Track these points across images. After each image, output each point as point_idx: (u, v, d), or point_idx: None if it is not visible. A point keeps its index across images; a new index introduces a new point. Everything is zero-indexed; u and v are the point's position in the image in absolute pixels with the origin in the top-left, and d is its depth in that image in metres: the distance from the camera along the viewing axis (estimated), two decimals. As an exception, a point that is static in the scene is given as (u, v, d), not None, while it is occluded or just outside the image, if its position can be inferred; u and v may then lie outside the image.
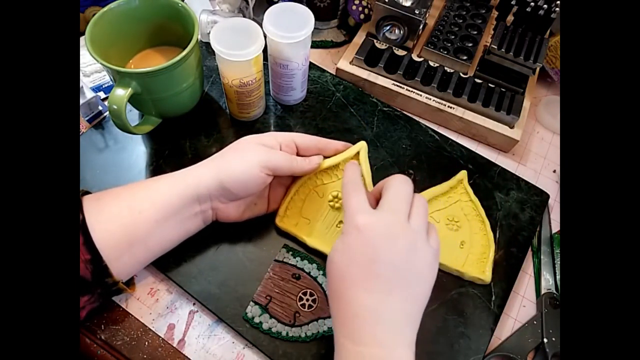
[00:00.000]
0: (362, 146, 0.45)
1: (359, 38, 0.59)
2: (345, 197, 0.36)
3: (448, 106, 0.54)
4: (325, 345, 0.40)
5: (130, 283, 0.40)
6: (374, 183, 0.46)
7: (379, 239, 0.33)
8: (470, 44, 0.57)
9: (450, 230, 0.46)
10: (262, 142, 0.41)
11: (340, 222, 0.45)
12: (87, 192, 0.38)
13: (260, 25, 0.44)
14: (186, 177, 0.39)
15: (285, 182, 0.45)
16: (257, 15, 0.58)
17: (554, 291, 0.46)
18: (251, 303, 0.41)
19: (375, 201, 0.37)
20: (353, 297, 0.32)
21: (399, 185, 0.36)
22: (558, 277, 0.46)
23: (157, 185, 0.38)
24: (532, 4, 0.53)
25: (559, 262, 0.47)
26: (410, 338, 0.32)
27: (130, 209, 0.36)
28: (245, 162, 0.39)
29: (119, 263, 0.36)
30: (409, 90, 0.55)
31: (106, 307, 0.41)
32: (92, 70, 0.54)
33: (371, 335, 0.31)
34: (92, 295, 0.36)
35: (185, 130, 0.50)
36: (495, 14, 0.61)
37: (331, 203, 0.45)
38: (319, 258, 0.44)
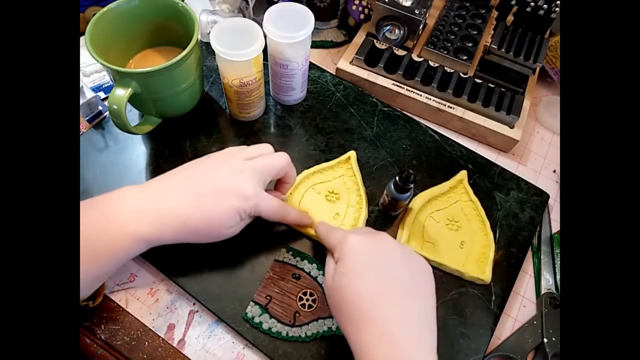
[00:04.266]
0: (351, 154, 0.50)
1: (359, 38, 0.59)
2: (326, 234, 0.38)
3: (448, 106, 0.54)
4: (325, 345, 0.40)
5: (96, 295, 0.39)
6: (374, 183, 0.48)
7: (376, 247, 0.34)
8: (470, 44, 0.57)
9: (450, 230, 0.46)
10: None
11: (337, 214, 0.46)
12: None
13: (260, 25, 0.44)
14: (144, 240, 0.36)
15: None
16: (257, 15, 0.58)
17: (554, 291, 0.46)
18: (251, 303, 0.41)
19: None
20: (375, 310, 0.31)
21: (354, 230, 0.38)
22: (558, 277, 0.46)
23: (119, 242, 0.35)
24: (532, 4, 0.53)
25: (559, 262, 0.47)
26: (432, 344, 0.31)
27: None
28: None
29: None
30: (409, 90, 0.55)
31: (106, 307, 0.41)
32: (92, 70, 0.54)
33: (398, 347, 0.30)
34: None
35: (185, 130, 0.50)
36: (495, 14, 0.61)
37: (327, 197, 0.47)
38: (319, 258, 0.44)
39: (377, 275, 0.33)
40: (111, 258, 0.35)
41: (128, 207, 0.35)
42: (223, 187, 0.36)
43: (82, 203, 0.36)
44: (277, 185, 0.44)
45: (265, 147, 0.41)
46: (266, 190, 0.40)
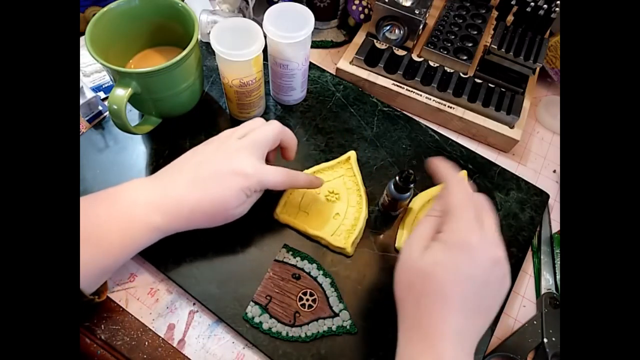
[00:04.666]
0: (351, 154, 0.50)
1: (359, 38, 0.59)
2: (448, 178, 0.37)
3: (448, 106, 0.54)
4: (325, 345, 0.40)
5: (101, 291, 0.39)
6: (374, 183, 0.48)
7: (487, 264, 0.32)
8: (470, 44, 0.57)
9: (450, 230, 0.46)
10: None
11: (337, 214, 0.46)
12: None
13: (260, 25, 0.44)
14: (157, 229, 0.37)
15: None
16: (257, 15, 0.58)
17: (554, 291, 0.46)
18: (251, 303, 0.41)
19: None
20: (445, 314, 0.31)
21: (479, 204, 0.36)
22: (558, 277, 0.46)
23: (132, 232, 0.36)
24: (532, 4, 0.53)
25: (559, 262, 0.47)
26: (471, 353, 0.31)
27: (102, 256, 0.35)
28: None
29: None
30: (409, 90, 0.55)
31: (106, 307, 0.41)
32: (92, 70, 0.54)
33: (446, 353, 0.30)
34: None
35: (185, 130, 0.50)
36: (495, 14, 0.61)
37: (327, 197, 0.47)
38: (319, 258, 0.44)
39: (469, 287, 0.31)
40: (125, 249, 0.36)
41: (140, 201, 0.37)
42: (224, 170, 0.38)
43: (91, 196, 0.37)
44: (281, 153, 0.44)
45: (256, 122, 0.42)
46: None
